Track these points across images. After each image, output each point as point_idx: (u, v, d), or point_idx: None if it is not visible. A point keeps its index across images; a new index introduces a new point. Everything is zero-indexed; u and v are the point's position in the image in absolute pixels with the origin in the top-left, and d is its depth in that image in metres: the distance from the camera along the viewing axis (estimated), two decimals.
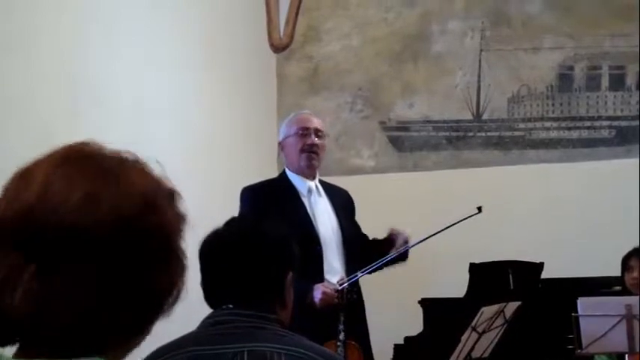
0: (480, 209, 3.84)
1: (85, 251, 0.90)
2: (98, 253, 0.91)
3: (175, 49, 5.35)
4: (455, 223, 3.85)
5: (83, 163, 0.95)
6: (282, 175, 3.93)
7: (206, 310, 2.02)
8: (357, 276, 3.67)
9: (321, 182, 3.95)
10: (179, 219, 0.99)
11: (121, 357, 0.99)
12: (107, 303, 0.92)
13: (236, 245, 2.01)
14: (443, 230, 3.85)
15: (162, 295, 0.97)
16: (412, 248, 3.96)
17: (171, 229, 0.97)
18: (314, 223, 3.78)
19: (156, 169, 0.99)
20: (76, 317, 0.91)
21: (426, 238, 3.86)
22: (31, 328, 0.91)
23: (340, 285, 3.58)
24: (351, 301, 3.55)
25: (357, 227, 4.01)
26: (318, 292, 3.58)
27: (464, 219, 3.86)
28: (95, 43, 4.57)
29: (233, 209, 3.71)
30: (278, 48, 6.73)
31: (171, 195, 0.99)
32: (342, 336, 3.48)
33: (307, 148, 3.82)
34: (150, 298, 0.96)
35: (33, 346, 0.92)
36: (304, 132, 3.83)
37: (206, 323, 1.97)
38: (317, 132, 3.86)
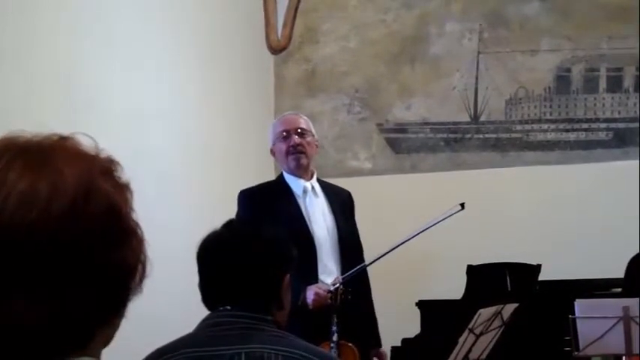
0: (462, 206, 3.82)
1: (37, 249, 0.88)
2: (52, 249, 0.88)
3: (172, 52, 5.35)
4: (438, 222, 3.84)
5: (16, 158, 0.92)
6: (279, 177, 3.94)
7: (204, 312, 2.02)
8: (346, 277, 3.66)
9: (321, 182, 3.95)
10: (123, 190, 0.96)
11: (105, 344, 0.97)
12: (76, 297, 0.90)
13: (234, 247, 2.01)
14: (427, 228, 3.83)
15: (129, 272, 0.95)
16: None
17: (117, 205, 0.94)
18: (308, 223, 3.78)
19: (87, 143, 0.97)
20: (46, 319, 0.89)
21: (410, 238, 3.85)
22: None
23: (333, 286, 3.58)
24: (344, 301, 3.55)
25: (356, 228, 4.01)
26: (310, 293, 3.58)
27: (447, 217, 3.84)
28: (91, 46, 4.56)
29: (231, 212, 3.71)
30: (276, 50, 6.73)
31: (108, 169, 0.96)
32: (335, 337, 3.48)
33: (292, 150, 3.84)
34: (118, 279, 0.94)
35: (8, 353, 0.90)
36: (286, 134, 3.86)
37: (204, 325, 1.97)
38: (298, 131, 3.87)
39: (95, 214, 0.92)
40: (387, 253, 3.82)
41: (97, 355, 0.96)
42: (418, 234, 3.85)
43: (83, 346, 0.93)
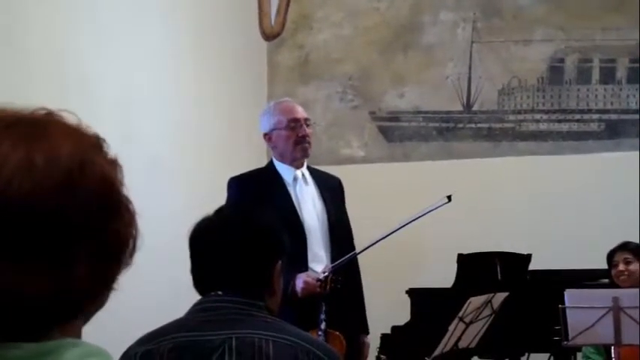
0: (449, 198, 3.80)
1: (33, 220, 0.88)
2: (47, 220, 0.88)
3: (164, 38, 5.33)
4: (424, 214, 3.81)
5: (8, 129, 0.92)
6: (269, 165, 3.91)
7: (194, 297, 2.02)
8: (336, 265, 3.66)
9: (311, 170, 3.93)
10: (114, 164, 0.97)
11: (91, 316, 0.98)
12: (73, 269, 0.90)
13: (226, 232, 2.01)
14: (413, 220, 3.81)
15: (122, 245, 0.96)
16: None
17: (110, 178, 0.95)
18: (299, 211, 3.76)
19: (71, 119, 0.97)
20: (46, 290, 0.89)
21: (397, 230, 3.84)
22: None
23: (323, 274, 3.58)
24: (334, 290, 3.55)
25: (346, 216, 4.00)
26: (300, 282, 3.58)
27: (433, 209, 3.82)
28: (83, 31, 4.54)
29: (222, 199, 3.70)
30: (269, 36, 6.72)
31: (98, 143, 0.96)
32: (323, 325, 3.48)
33: (301, 140, 3.79)
34: (112, 252, 0.94)
35: None
36: (295, 124, 3.79)
37: (195, 309, 1.97)
38: (306, 121, 3.85)
39: (90, 186, 0.92)
40: (378, 241, 3.81)
41: (79, 331, 0.96)
42: (404, 225, 3.83)
43: (74, 317, 0.93)
